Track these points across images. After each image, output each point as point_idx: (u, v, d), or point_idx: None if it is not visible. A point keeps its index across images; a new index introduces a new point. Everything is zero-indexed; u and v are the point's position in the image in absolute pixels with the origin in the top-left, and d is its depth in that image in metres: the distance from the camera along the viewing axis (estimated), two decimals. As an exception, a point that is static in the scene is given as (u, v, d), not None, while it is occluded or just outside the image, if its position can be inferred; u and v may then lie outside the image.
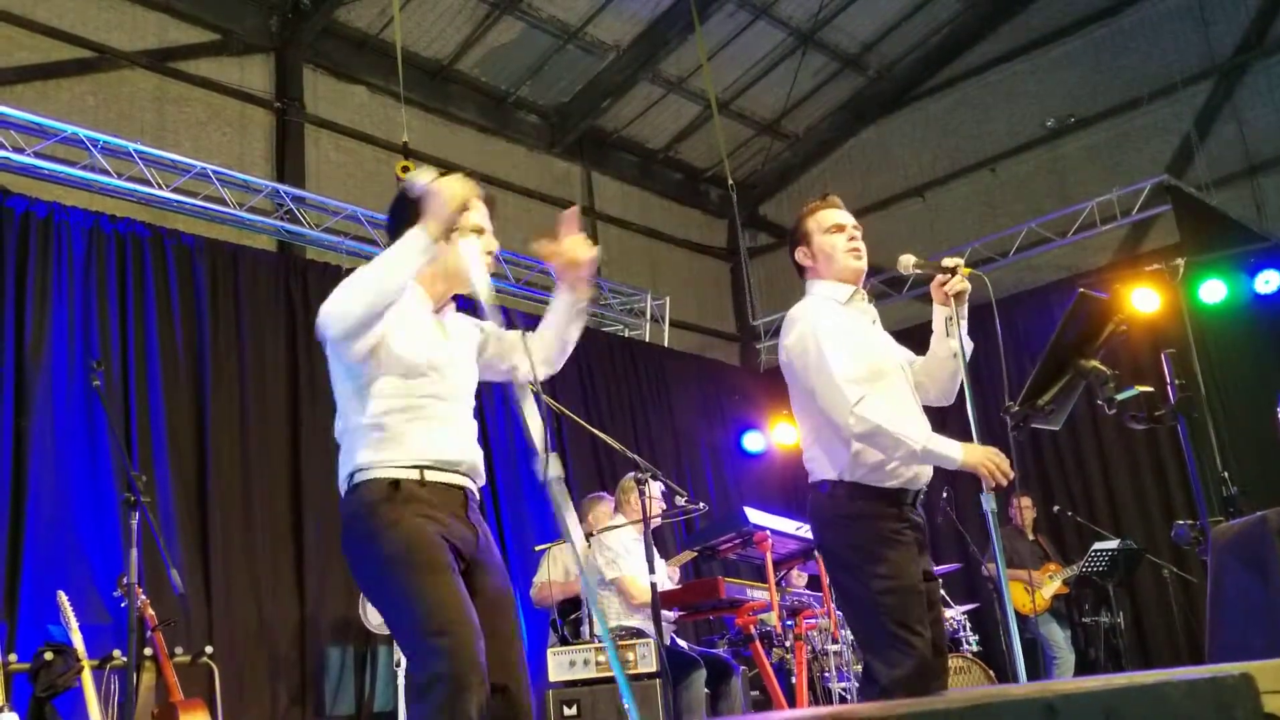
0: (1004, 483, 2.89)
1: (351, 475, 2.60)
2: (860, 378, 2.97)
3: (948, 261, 3.14)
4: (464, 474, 2.69)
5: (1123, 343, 2.99)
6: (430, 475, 2.59)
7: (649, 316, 10.03)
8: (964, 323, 3.11)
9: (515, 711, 2.55)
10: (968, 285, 3.14)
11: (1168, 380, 3.09)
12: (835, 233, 3.21)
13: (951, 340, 3.10)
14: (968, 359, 3.12)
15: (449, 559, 2.52)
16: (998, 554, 2.98)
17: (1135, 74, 9.61)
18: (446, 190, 2.53)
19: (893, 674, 2.85)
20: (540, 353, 2.88)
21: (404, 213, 2.61)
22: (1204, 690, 0.81)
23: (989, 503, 2.94)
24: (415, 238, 2.50)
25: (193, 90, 7.74)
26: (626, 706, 2.23)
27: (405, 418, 2.60)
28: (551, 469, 2.47)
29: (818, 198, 3.37)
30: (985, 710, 0.62)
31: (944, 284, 3.13)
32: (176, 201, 6.99)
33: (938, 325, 3.18)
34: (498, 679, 2.48)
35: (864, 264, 3.21)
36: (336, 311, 2.45)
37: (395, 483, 2.55)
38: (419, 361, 2.63)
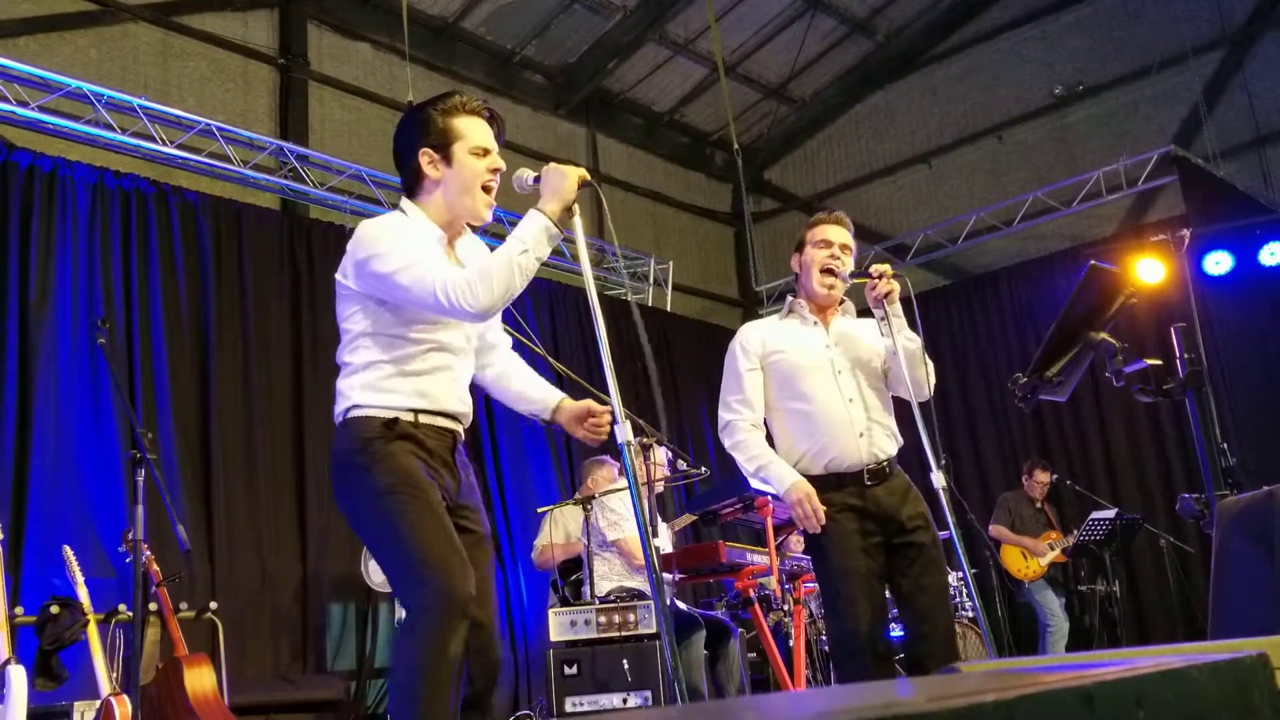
0: (815, 529, 3.23)
1: (347, 411, 2.64)
2: (751, 401, 3.46)
3: (874, 269, 3.33)
4: (452, 416, 2.73)
5: (1126, 314, 3.00)
6: (424, 418, 2.64)
7: (652, 280, 10.02)
8: (899, 319, 3.35)
9: (488, 646, 2.64)
10: (895, 286, 3.32)
11: (1176, 353, 3.10)
12: (821, 247, 3.49)
13: (888, 340, 3.36)
14: (914, 353, 3.38)
15: (439, 497, 2.58)
16: (952, 529, 3.13)
17: (1145, 42, 9.53)
18: (565, 174, 2.59)
19: (831, 634, 3.37)
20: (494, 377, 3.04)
21: (414, 153, 2.70)
22: (1225, 671, 0.83)
23: (938, 480, 3.22)
24: (538, 224, 2.55)
25: (196, 45, 7.68)
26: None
27: (411, 365, 2.64)
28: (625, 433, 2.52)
29: (829, 211, 3.64)
30: (1030, 700, 0.63)
31: (872, 289, 3.32)
32: (181, 158, 6.96)
33: (879, 326, 3.40)
34: (475, 615, 2.53)
35: (835, 292, 3.48)
36: (486, 303, 2.51)
37: (390, 421, 2.59)
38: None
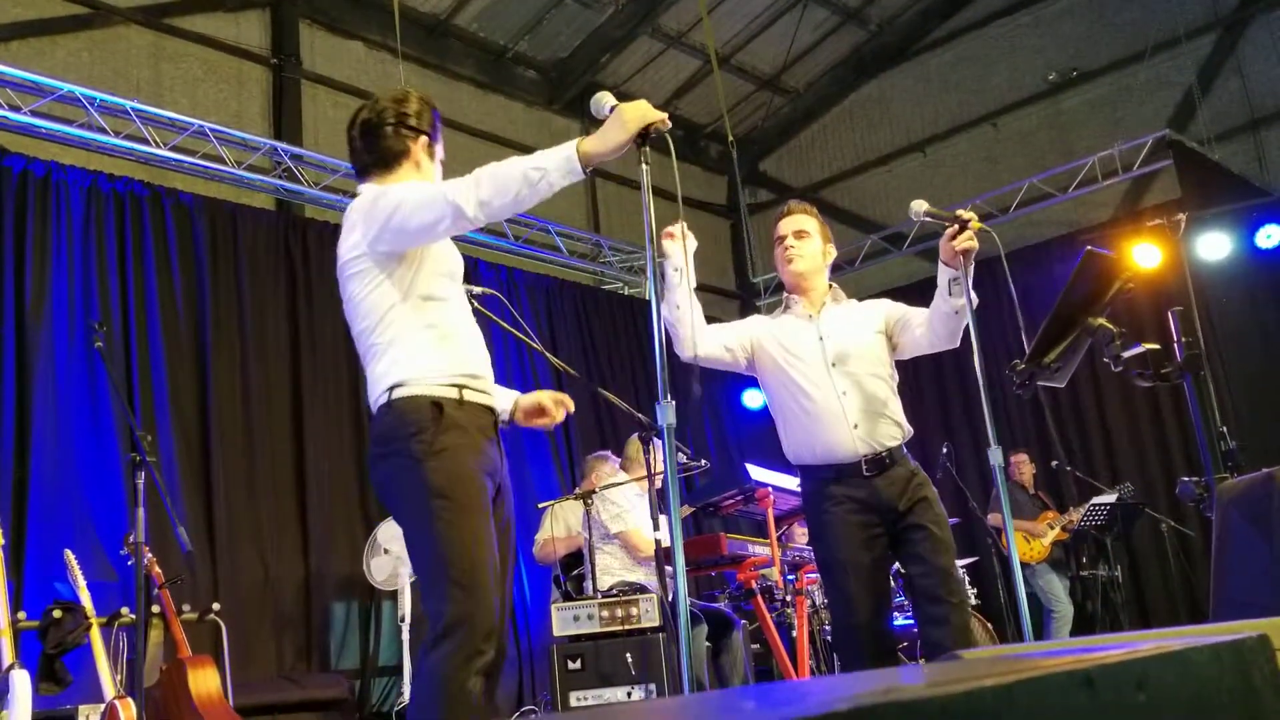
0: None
1: (391, 390, 2.52)
2: (728, 325, 3.61)
3: (961, 213, 3.21)
4: (491, 393, 2.68)
5: (1123, 299, 3.00)
6: (468, 395, 2.55)
7: (649, 273, 10.01)
8: (969, 279, 3.22)
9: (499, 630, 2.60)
10: (975, 243, 3.20)
11: (1174, 338, 3.10)
12: (777, 244, 3.59)
13: (955, 299, 3.24)
14: (972, 312, 3.23)
15: (488, 501, 2.51)
16: (1005, 507, 3.05)
17: (1138, 27, 9.52)
18: (624, 120, 2.43)
19: (833, 625, 3.42)
20: None
21: (382, 137, 2.73)
22: (1226, 653, 0.83)
23: (995, 456, 3.04)
24: (564, 153, 2.40)
25: (188, 46, 7.66)
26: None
27: (443, 330, 2.58)
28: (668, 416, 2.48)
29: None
30: (1031, 685, 0.63)
31: (953, 238, 3.20)
32: (175, 160, 6.96)
33: (942, 282, 3.29)
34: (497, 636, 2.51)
35: (797, 267, 3.52)
36: (488, 198, 2.40)
37: (438, 404, 2.48)
38: (459, 269, 2.68)
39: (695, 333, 3.25)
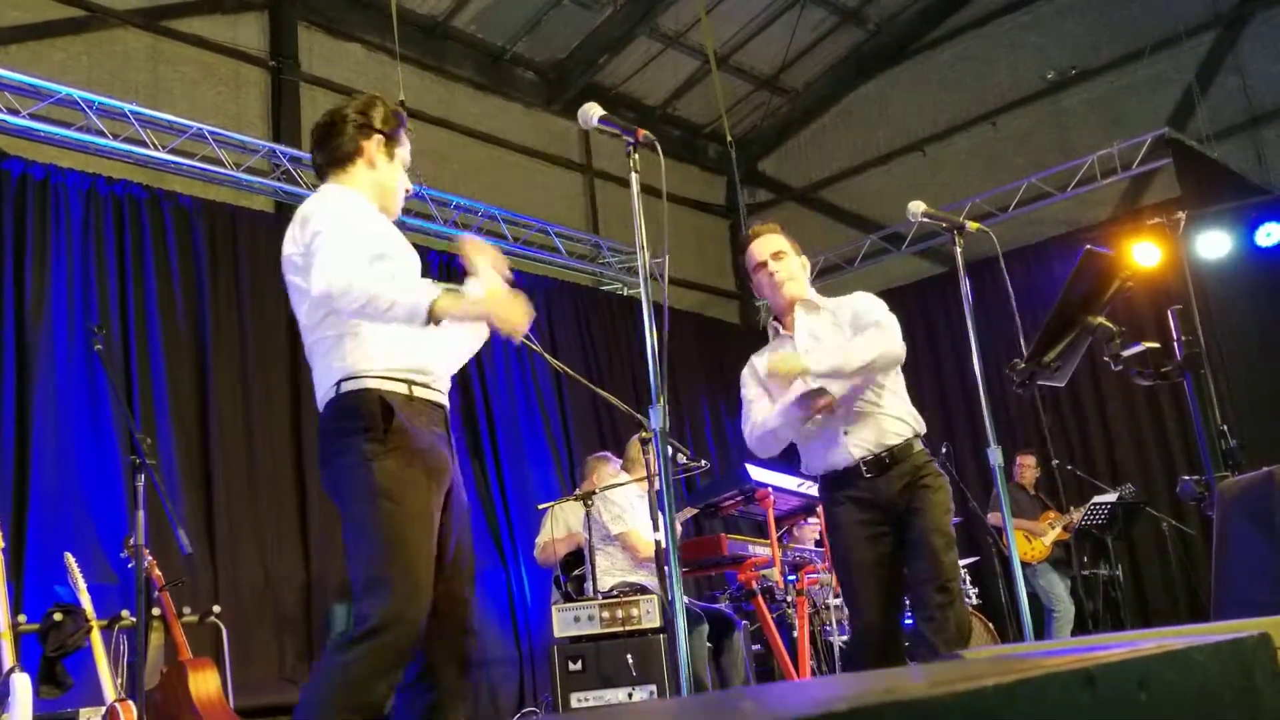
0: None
1: (339, 385, 2.52)
2: (755, 422, 3.55)
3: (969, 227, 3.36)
4: (441, 390, 2.69)
5: (1122, 297, 3.00)
6: (418, 391, 2.56)
7: (647, 274, 10.00)
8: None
9: (461, 628, 2.59)
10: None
11: (1174, 336, 3.09)
12: (758, 271, 3.54)
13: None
14: (973, 312, 3.41)
15: (435, 503, 2.52)
16: (1005, 506, 3.04)
17: (1137, 25, 9.52)
18: (496, 310, 2.47)
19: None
20: None
21: (339, 141, 2.74)
22: (1227, 652, 0.82)
23: (995, 456, 3.05)
24: (418, 304, 2.36)
25: (186, 49, 7.66)
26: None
27: (393, 324, 2.51)
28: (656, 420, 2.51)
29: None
30: (1031, 684, 0.63)
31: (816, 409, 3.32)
32: (173, 163, 6.95)
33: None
34: (462, 591, 2.56)
35: (789, 291, 3.48)
36: (332, 282, 2.42)
37: (386, 403, 2.48)
38: (415, 266, 2.70)
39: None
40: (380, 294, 2.37)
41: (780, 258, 3.50)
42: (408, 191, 2.86)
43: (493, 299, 2.52)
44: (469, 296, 2.53)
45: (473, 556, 2.70)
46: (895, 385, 3.43)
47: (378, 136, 2.75)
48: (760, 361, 3.60)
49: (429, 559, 2.46)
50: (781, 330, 3.56)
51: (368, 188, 2.74)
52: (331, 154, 2.75)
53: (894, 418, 3.37)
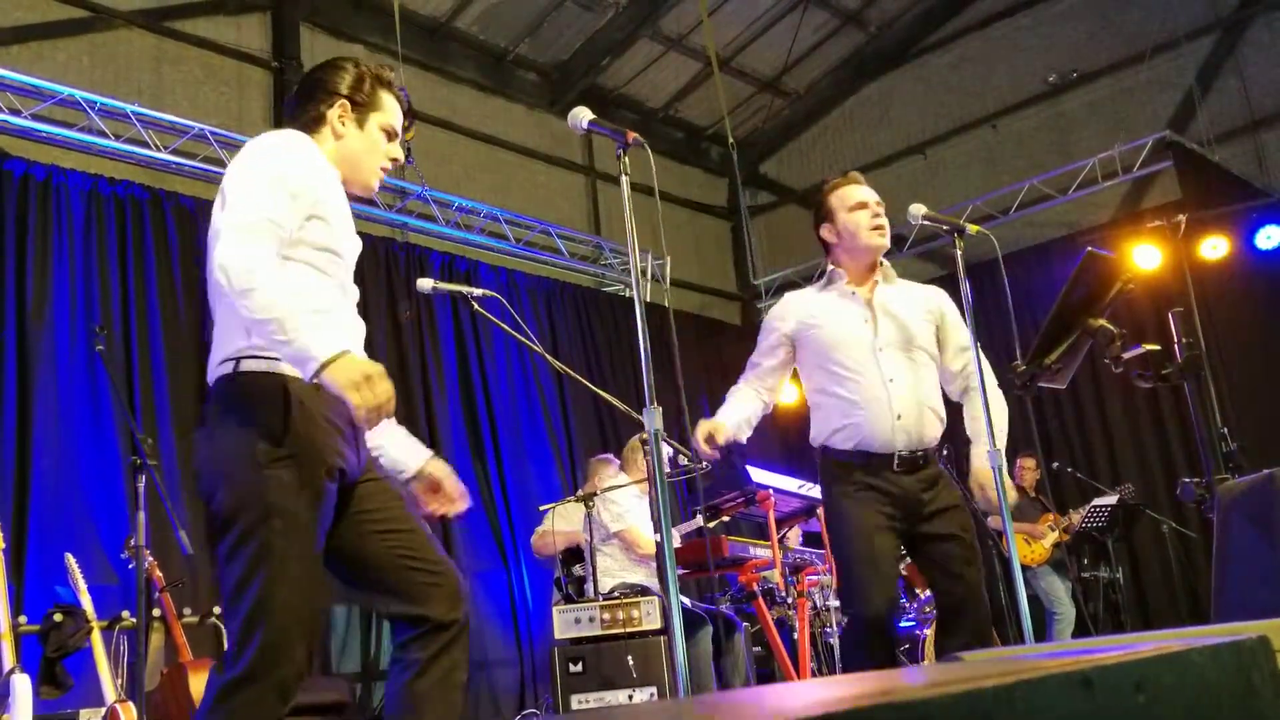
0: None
1: (237, 361, 2.21)
2: (759, 367, 3.57)
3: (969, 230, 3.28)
4: None
5: (1123, 299, 3.00)
6: None
7: (649, 276, 10.02)
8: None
9: (454, 590, 2.37)
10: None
11: (1174, 339, 3.10)
12: (858, 210, 3.35)
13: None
14: (972, 312, 3.28)
15: (326, 519, 2.25)
16: (1004, 509, 3.05)
17: (1138, 28, 9.52)
18: (357, 391, 2.05)
19: (846, 614, 3.29)
20: None
21: (317, 96, 2.51)
22: (1226, 654, 0.83)
23: (995, 459, 3.04)
24: (313, 358, 2.06)
25: (189, 50, 7.67)
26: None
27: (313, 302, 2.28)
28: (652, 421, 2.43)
29: (838, 174, 3.51)
30: (1028, 686, 0.63)
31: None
32: (176, 163, 6.96)
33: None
34: (439, 567, 2.34)
35: (886, 241, 3.35)
36: (234, 276, 2.09)
37: (286, 387, 2.19)
38: (349, 250, 2.43)
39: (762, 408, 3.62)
40: (286, 319, 2.06)
41: (881, 205, 3.38)
42: (394, 165, 2.60)
43: (356, 390, 2.07)
44: (357, 371, 2.08)
45: (422, 522, 2.45)
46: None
47: (342, 102, 2.50)
48: (799, 303, 3.48)
49: (315, 584, 2.22)
50: (845, 288, 3.37)
51: (334, 157, 2.48)
52: (296, 120, 2.53)
53: (938, 415, 3.29)
